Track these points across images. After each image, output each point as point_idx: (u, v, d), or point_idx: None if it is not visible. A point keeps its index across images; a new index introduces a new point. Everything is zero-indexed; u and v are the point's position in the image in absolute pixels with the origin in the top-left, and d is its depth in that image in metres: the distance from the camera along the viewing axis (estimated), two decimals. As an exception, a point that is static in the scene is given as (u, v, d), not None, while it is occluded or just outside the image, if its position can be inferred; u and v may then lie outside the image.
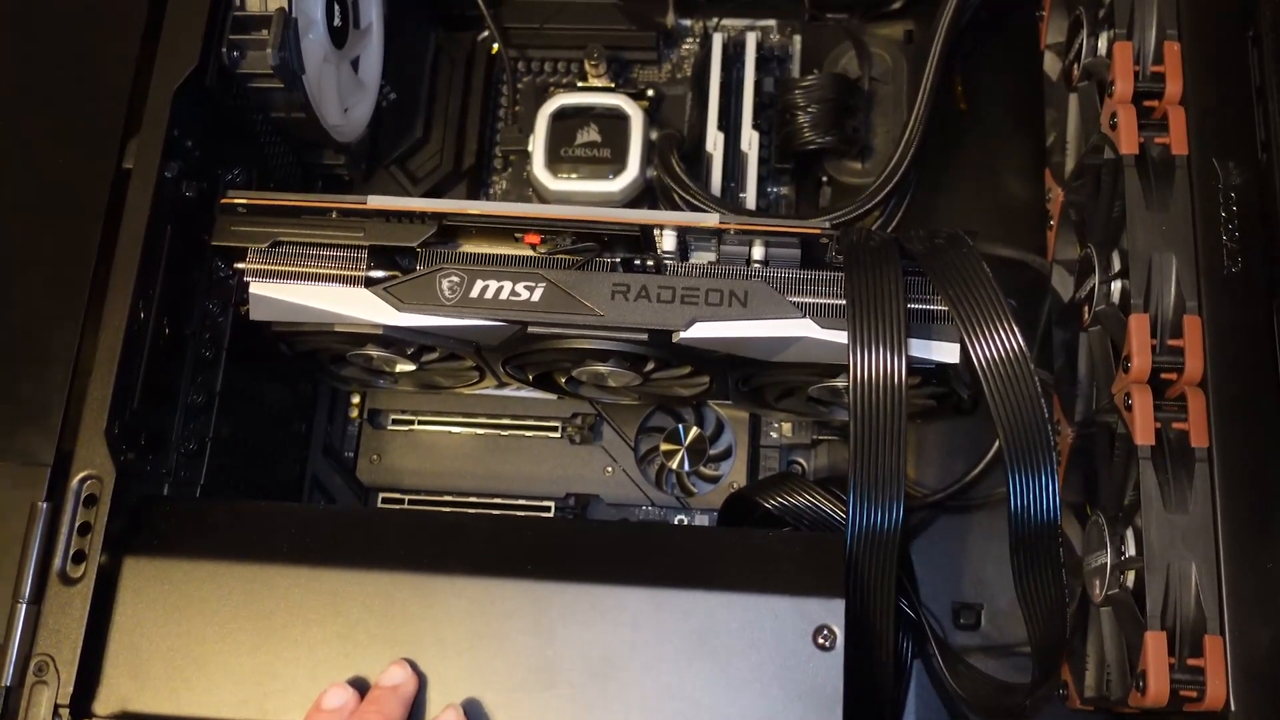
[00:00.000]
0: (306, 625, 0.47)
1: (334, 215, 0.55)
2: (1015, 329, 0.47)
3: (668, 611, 0.46)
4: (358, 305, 0.54)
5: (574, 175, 0.67)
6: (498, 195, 0.71)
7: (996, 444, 0.58)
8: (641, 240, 0.54)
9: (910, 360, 0.49)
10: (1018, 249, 0.66)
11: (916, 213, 0.68)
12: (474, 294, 0.53)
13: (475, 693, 0.45)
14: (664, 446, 0.65)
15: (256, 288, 0.54)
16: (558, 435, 0.66)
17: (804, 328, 0.52)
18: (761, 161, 0.69)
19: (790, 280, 0.53)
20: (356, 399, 0.68)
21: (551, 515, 0.65)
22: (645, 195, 0.67)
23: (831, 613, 0.45)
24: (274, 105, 0.59)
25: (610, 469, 0.65)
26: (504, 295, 0.53)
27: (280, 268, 0.55)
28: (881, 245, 0.50)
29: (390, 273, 0.55)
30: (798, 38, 0.73)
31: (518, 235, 0.55)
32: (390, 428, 0.67)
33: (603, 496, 0.65)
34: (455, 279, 0.54)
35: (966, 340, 0.47)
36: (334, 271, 0.54)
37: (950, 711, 0.58)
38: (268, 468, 0.64)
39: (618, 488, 0.65)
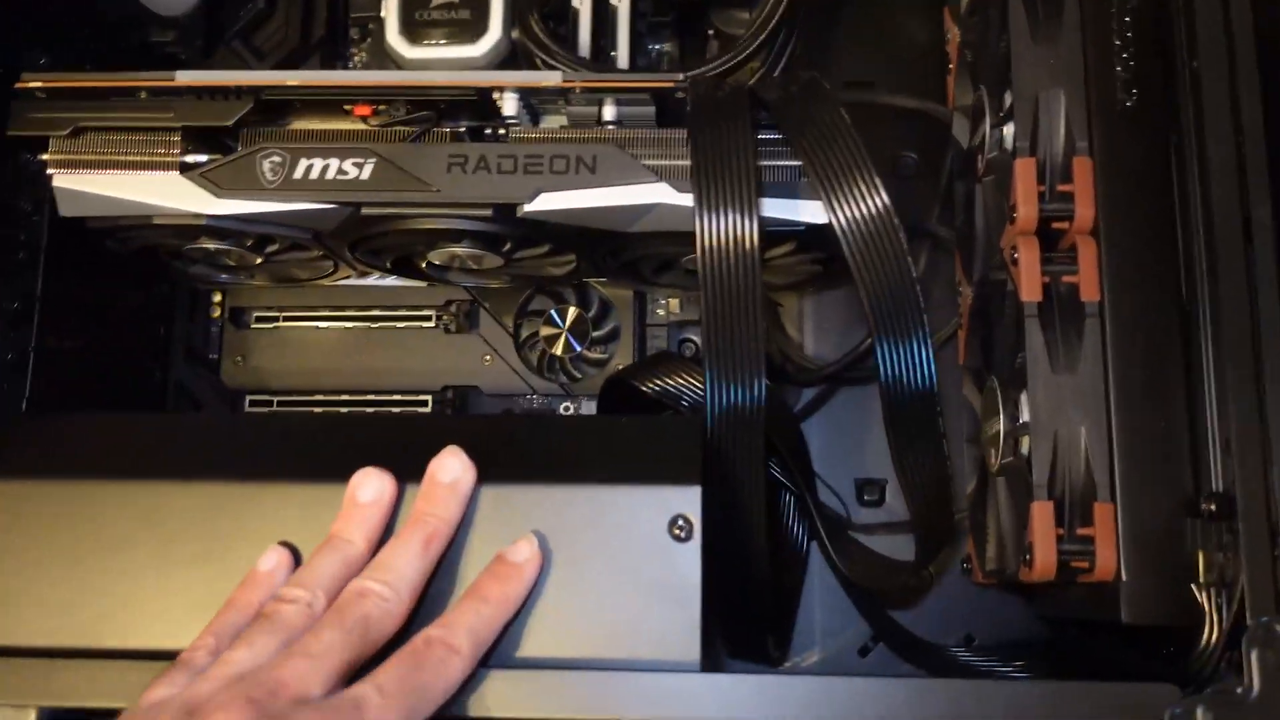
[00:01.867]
0: (131, 543, 0.43)
1: (142, 95, 0.50)
2: (877, 183, 0.43)
3: (524, 508, 0.42)
4: (173, 194, 0.49)
5: (433, 41, 0.61)
6: (358, 67, 0.65)
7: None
8: (482, 106, 0.49)
9: (772, 222, 0.45)
10: (917, 98, 0.61)
11: (807, 64, 0.62)
12: (298, 175, 0.48)
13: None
14: (544, 331, 0.61)
15: (60, 180, 0.49)
16: (432, 325, 0.62)
17: (659, 193, 0.47)
18: (640, 15, 0.63)
19: (646, 141, 0.48)
20: (218, 297, 0.63)
21: (428, 410, 0.61)
22: (513, 61, 0.61)
23: (687, 501, 0.42)
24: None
25: (489, 358, 0.61)
26: (331, 174, 0.48)
27: (87, 156, 0.49)
28: (731, 95, 0.45)
29: (210, 157, 0.49)
30: (675, -124, 0.66)
31: (347, 108, 0.50)
32: (254, 326, 0.63)
33: (482, 388, 0.61)
34: (277, 159, 0.49)
35: (823, 197, 0.43)
36: (145, 158, 0.49)
37: (848, 594, 0.55)
38: (121, 378, 0.59)
39: (498, 377, 0.61)
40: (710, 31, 0.64)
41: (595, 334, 0.61)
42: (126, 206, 0.49)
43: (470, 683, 0.39)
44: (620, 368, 0.59)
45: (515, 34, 0.60)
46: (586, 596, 0.41)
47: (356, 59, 0.65)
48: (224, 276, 0.58)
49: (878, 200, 0.43)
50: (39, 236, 0.53)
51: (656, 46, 0.64)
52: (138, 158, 0.49)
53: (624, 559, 0.42)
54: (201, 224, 0.50)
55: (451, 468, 0.41)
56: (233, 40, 0.63)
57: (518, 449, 0.44)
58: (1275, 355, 0.41)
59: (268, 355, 0.62)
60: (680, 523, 0.42)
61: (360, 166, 0.48)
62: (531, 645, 0.41)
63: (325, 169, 0.48)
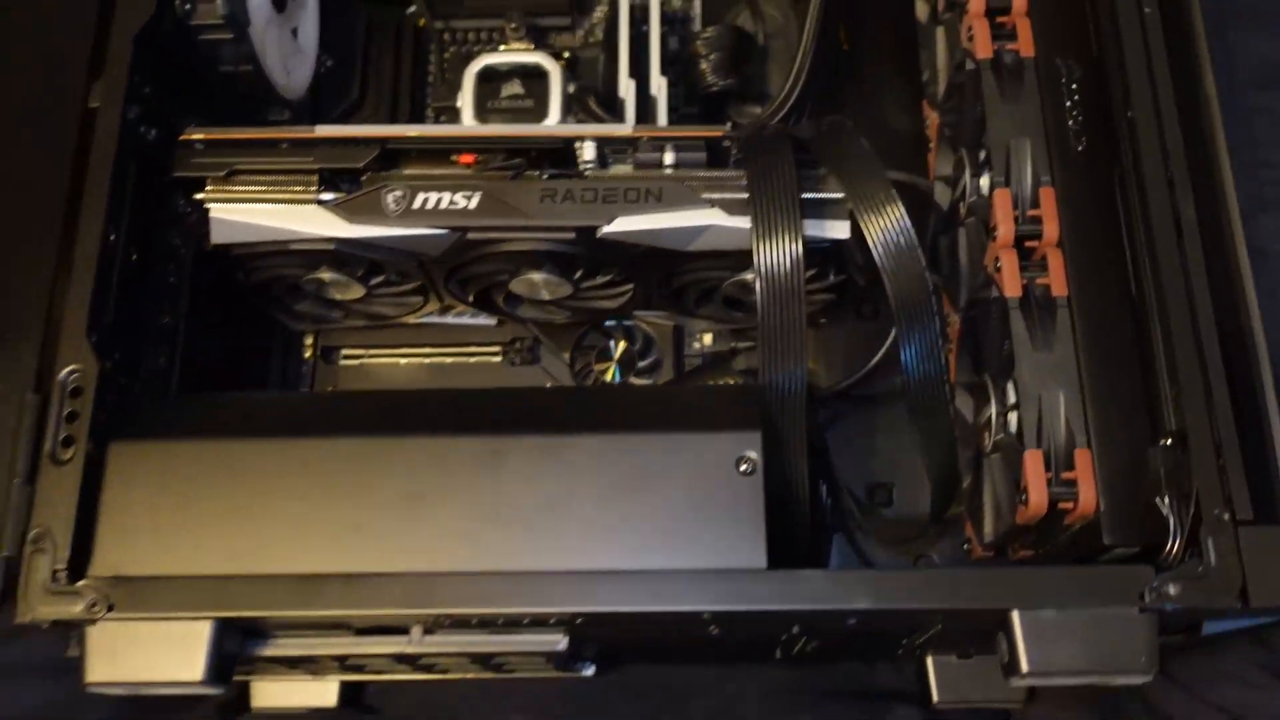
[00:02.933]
0: (279, 491, 0.52)
1: (284, 146, 0.61)
2: (894, 194, 0.54)
3: (603, 455, 0.51)
4: (310, 222, 0.59)
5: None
6: (432, 151, 0.77)
7: (891, 337, 0.66)
8: (563, 154, 0.61)
9: (806, 238, 0.57)
10: (904, 172, 0.73)
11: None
12: (416, 205, 0.59)
13: (436, 536, 0.51)
14: (596, 365, 0.72)
15: (217, 210, 0.60)
16: (499, 359, 0.72)
17: (711, 216, 0.58)
18: (671, 109, 0.75)
19: (700, 179, 0.59)
20: (310, 340, 0.73)
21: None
22: (567, 141, 0.73)
23: (750, 443, 0.51)
24: (223, 58, 0.64)
25: (549, 385, 0.71)
26: (444, 205, 0.59)
27: (238, 194, 0.60)
28: (775, 135, 0.57)
29: (339, 195, 0.60)
30: (696, 1, 0.80)
31: (453, 158, 0.61)
32: (343, 363, 0.73)
33: (543, 410, 0.71)
34: (399, 193, 0.60)
35: (855, 207, 0.54)
36: (287, 195, 0.60)
37: (859, 557, 0.65)
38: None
39: (557, 402, 0.70)
40: (729, 124, 0.77)
41: (640, 364, 0.71)
42: (270, 233, 0.60)
43: (579, 586, 0.48)
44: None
45: (572, 120, 0.73)
46: (668, 526, 0.51)
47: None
48: (316, 313, 0.68)
49: (899, 213, 0.54)
50: (185, 267, 0.63)
51: (685, 135, 0.77)
52: (281, 195, 0.60)
53: (700, 492, 0.51)
54: (330, 249, 0.60)
55: None
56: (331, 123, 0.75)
57: (608, 409, 0.54)
58: (1208, 323, 0.52)
59: (354, 385, 0.72)
60: (745, 461, 0.51)
61: (469, 199, 0.59)
62: (631, 559, 0.50)
63: (439, 201, 0.59)
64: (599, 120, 0.69)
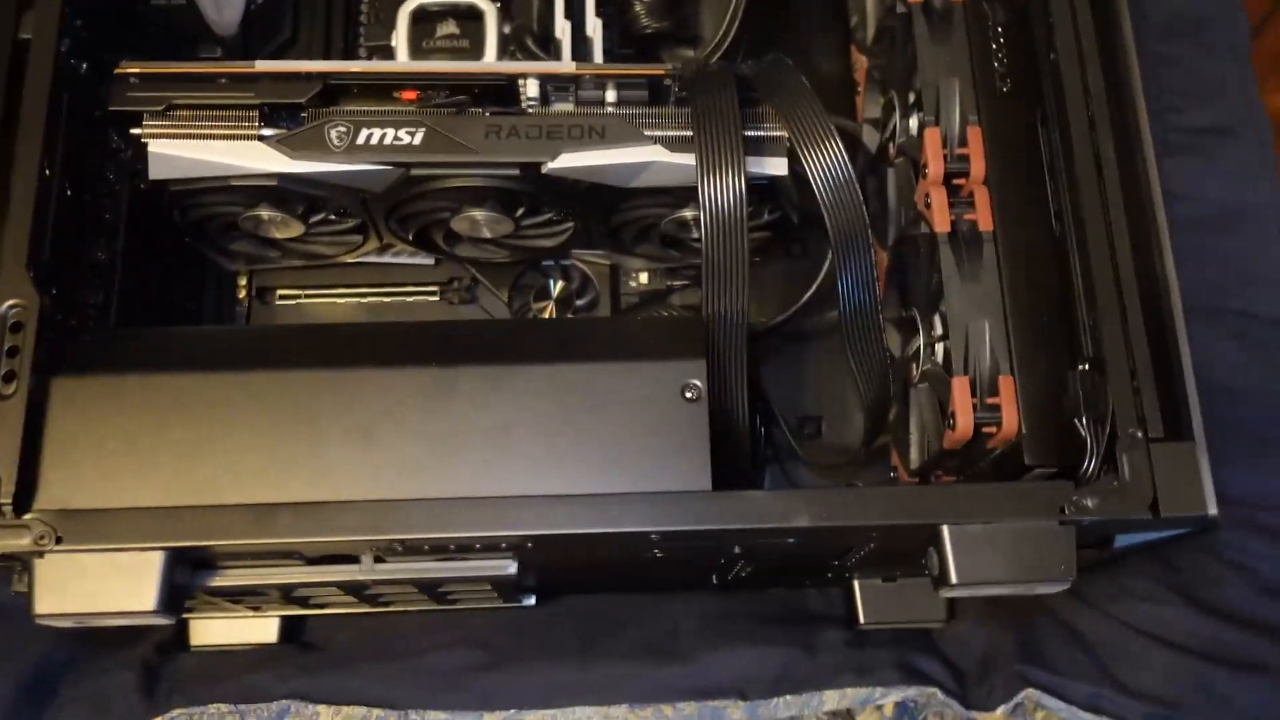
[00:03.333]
0: (226, 423, 0.52)
1: (223, 80, 0.61)
2: (833, 130, 0.56)
3: (553, 383, 0.53)
4: (252, 157, 0.59)
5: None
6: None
7: (822, 273, 0.68)
8: (507, 91, 0.61)
9: (747, 175, 0.58)
10: (833, 115, 0.75)
11: (744, 89, 0.77)
12: (360, 140, 0.60)
13: (387, 465, 0.52)
14: (534, 304, 0.73)
15: (155, 145, 0.59)
16: (436, 299, 0.72)
17: (655, 153, 0.60)
18: (606, 52, 0.76)
19: (641, 117, 0.61)
20: (244, 280, 0.73)
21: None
22: (503, 82, 0.74)
23: (695, 371, 0.53)
24: (156, -9, 0.64)
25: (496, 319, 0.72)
26: (388, 140, 0.60)
27: (176, 129, 0.60)
28: (719, 72, 0.59)
29: (280, 130, 0.60)
30: (633, -58, 0.81)
31: (395, 94, 0.61)
32: (278, 303, 0.72)
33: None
34: (343, 128, 0.60)
35: (795, 142, 0.56)
36: (229, 130, 0.60)
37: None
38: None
39: (495, 341, 0.71)
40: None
41: (578, 303, 0.72)
42: (211, 168, 0.59)
43: (532, 509, 0.50)
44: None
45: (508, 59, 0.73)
46: (618, 450, 0.52)
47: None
48: (264, 250, 0.68)
49: (837, 147, 0.56)
50: (120, 204, 0.62)
51: (620, 77, 0.78)
52: (222, 130, 0.60)
53: (648, 418, 0.53)
54: (271, 185, 0.60)
55: None
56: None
57: (557, 339, 0.55)
58: (1124, 256, 0.56)
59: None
60: (691, 388, 0.53)
61: (413, 134, 0.60)
62: (582, 484, 0.51)
63: (383, 136, 0.60)
64: (536, 55, 0.70)
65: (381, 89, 0.61)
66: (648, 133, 0.60)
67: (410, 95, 0.61)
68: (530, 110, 0.61)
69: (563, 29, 0.73)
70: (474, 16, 0.74)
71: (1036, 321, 0.57)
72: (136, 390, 0.53)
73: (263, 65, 0.61)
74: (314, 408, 0.52)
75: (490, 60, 0.72)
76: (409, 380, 0.53)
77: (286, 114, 0.61)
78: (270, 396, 0.52)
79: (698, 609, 0.68)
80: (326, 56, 0.75)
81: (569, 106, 0.62)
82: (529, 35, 0.73)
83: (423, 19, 0.74)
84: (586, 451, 0.52)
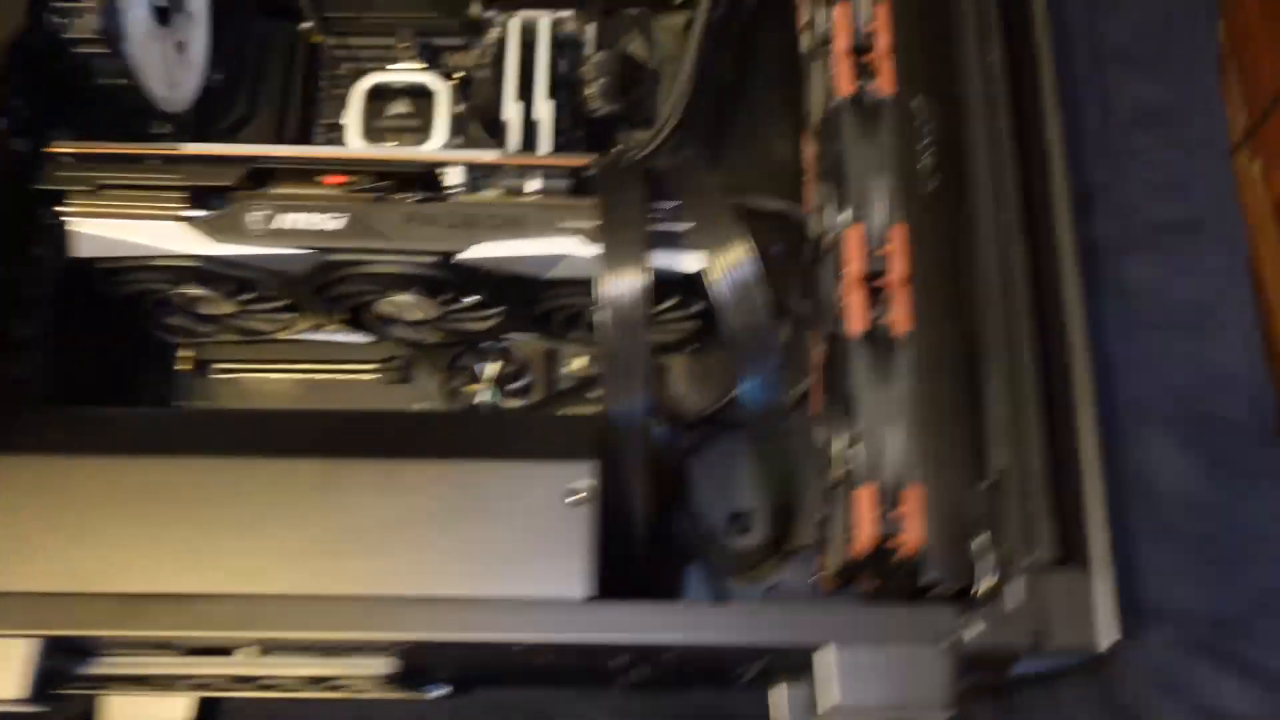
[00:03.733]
0: (111, 508, 0.52)
1: (153, 161, 0.61)
2: (739, 230, 0.56)
3: (439, 481, 0.52)
4: (173, 239, 0.60)
5: (386, 144, 0.74)
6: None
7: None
8: (431, 179, 0.62)
9: (659, 271, 0.58)
10: (780, 200, 0.75)
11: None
12: (279, 225, 0.60)
13: (266, 558, 0.51)
14: (469, 387, 0.72)
15: (77, 225, 0.60)
16: (372, 377, 0.72)
17: (569, 245, 0.59)
18: (560, 133, 0.76)
19: (559, 208, 0.60)
20: (185, 353, 0.73)
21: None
22: (453, 162, 0.74)
23: (582, 473, 0.52)
24: (98, 71, 0.65)
25: (419, 406, 0.72)
26: (306, 225, 0.60)
27: (103, 208, 0.61)
28: (629, 167, 0.59)
29: (207, 212, 0.61)
30: (591, 25, 0.81)
31: (319, 179, 0.62)
32: (216, 376, 0.73)
33: (415, 429, 0.71)
34: (263, 212, 0.60)
35: (697, 241, 0.56)
36: (153, 210, 0.61)
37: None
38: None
39: (426, 423, 0.71)
40: (618, 148, 0.78)
41: (512, 386, 0.72)
42: (132, 248, 0.60)
43: (387, 612, 0.49)
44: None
45: (458, 140, 0.74)
46: (498, 554, 0.52)
47: (322, 159, 0.78)
48: (188, 327, 0.68)
49: (742, 249, 0.56)
50: (50, 280, 0.63)
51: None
52: (147, 210, 0.60)
53: (533, 522, 0.52)
54: (195, 265, 0.61)
55: None
56: (216, 138, 0.75)
57: (448, 435, 0.55)
58: (1031, 369, 0.54)
59: (226, 401, 0.72)
60: (577, 492, 0.52)
61: (332, 220, 0.60)
62: (455, 586, 0.51)
63: (302, 221, 0.60)
64: (483, 142, 0.70)
65: (309, 173, 0.62)
66: (567, 224, 0.60)
67: (336, 180, 0.62)
68: (452, 198, 0.61)
69: (513, 110, 0.74)
70: (427, 95, 0.75)
71: (948, 431, 0.56)
72: (22, 471, 0.53)
73: (191, 148, 0.61)
74: (199, 495, 0.52)
75: (438, 141, 0.73)
76: (297, 471, 0.53)
77: (215, 196, 0.61)
78: (156, 482, 0.52)
79: (617, 707, 0.67)
80: (280, 134, 0.76)
81: (496, 193, 0.62)
82: (480, 117, 0.73)
83: (378, 97, 0.75)
84: (466, 553, 0.51)
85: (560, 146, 0.76)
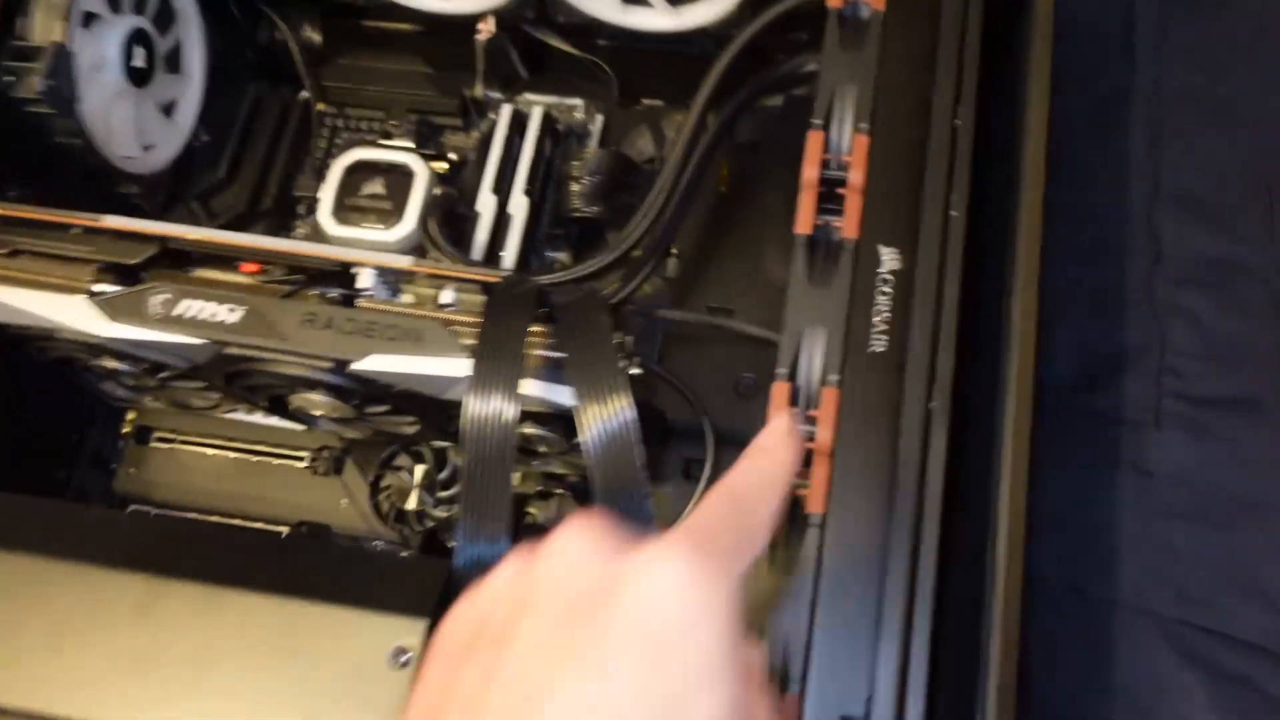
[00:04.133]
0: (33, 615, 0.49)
1: (76, 230, 0.60)
2: (621, 384, 0.50)
3: (260, 617, 0.48)
4: (71, 314, 0.58)
5: (356, 224, 0.71)
6: (299, 238, 0.75)
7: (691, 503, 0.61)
8: (346, 278, 0.58)
9: (533, 400, 0.52)
10: (763, 327, 0.68)
11: (677, 285, 0.71)
12: (178, 312, 0.57)
13: (73, 677, 0.48)
14: (397, 484, 0.68)
15: (-11, 289, 0.59)
16: (302, 465, 0.69)
17: (466, 367, 0.54)
18: (540, 226, 0.72)
19: (464, 326, 0.56)
20: (132, 415, 0.72)
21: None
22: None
23: (413, 632, 0.47)
24: (50, 130, 0.64)
25: (345, 501, 0.68)
26: (206, 315, 0.57)
27: (14, 274, 0.59)
28: (524, 293, 0.53)
29: (117, 289, 0.59)
30: (600, 117, 0.77)
31: (237, 264, 0.59)
32: (154, 444, 0.71)
33: (334, 527, 0.68)
34: (166, 296, 0.57)
35: (574, 387, 0.50)
36: (63, 281, 0.59)
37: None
38: (32, 472, 0.67)
39: (349, 520, 0.68)
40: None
41: (442, 494, 0.68)
42: (30, 318, 0.58)
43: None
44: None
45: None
46: (308, 706, 0.47)
47: (299, 230, 0.76)
48: (124, 394, 0.66)
49: (621, 402, 0.50)
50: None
51: (553, 255, 0.73)
52: (57, 280, 0.58)
53: (346, 678, 0.47)
54: (94, 343, 0.58)
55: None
56: (191, 201, 0.74)
57: (286, 566, 0.51)
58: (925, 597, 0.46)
59: (159, 471, 0.70)
60: (403, 652, 0.47)
61: (232, 312, 0.57)
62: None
63: (202, 310, 0.57)
64: (430, 233, 0.66)
65: (224, 259, 0.59)
66: (467, 343, 0.55)
67: (253, 268, 0.59)
68: (359, 302, 0.57)
69: (485, 203, 0.70)
70: (405, 173, 0.72)
71: (842, 632, 0.48)
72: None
73: (110, 221, 0.59)
74: (10, 599, 0.49)
75: (408, 226, 0.69)
76: (117, 585, 0.49)
77: (129, 274, 0.59)
78: (70, 593, 0.49)
79: None
80: (256, 201, 0.74)
81: (410, 299, 0.58)
82: (451, 205, 0.70)
83: (358, 171, 0.72)
84: (271, 701, 0.47)
85: (539, 243, 0.72)
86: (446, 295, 0.57)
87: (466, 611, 0.35)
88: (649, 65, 0.77)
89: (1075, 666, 0.62)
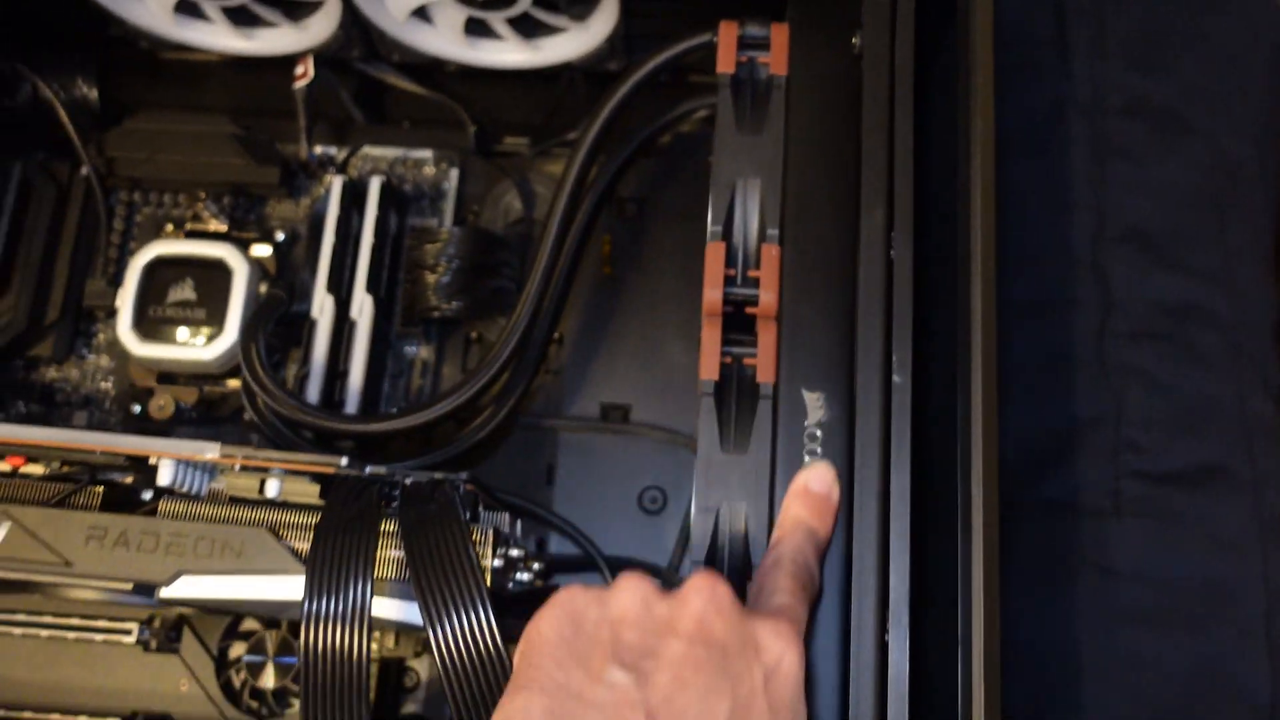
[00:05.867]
0: None
1: None
2: (476, 595, 0.40)
3: None
4: None
5: (166, 340, 0.58)
6: (99, 351, 0.62)
7: None
8: (138, 472, 0.46)
9: (385, 622, 0.42)
10: (669, 424, 0.59)
11: (565, 379, 0.60)
12: (-77, 531, 0.45)
13: None
14: (247, 658, 0.57)
15: None
16: (132, 640, 0.57)
17: (300, 587, 0.43)
18: (382, 333, 0.60)
19: (295, 531, 0.44)
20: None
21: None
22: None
23: None
24: None
25: (186, 684, 0.57)
26: (-41, 535, 0.45)
27: None
28: (366, 495, 0.43)
29: None
30: (454, 171, 0.64)
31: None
32: (-52, 626, 0.59)
33: (174, 716, 0.57)
34: (-96, 512, 0.45)
35: (429, 625, 0.40)
36: None
37: None
38: None
39: (193, 705, 0.56)
40: (473, 336, 0.62)
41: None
42: None
43: None
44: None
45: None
46: None
47: (98, 343, 0.62)
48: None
49: (486, 643, 0.40)
50: None
51: (413, 350, 0.61)
52: None
53: None
54: None
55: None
56: (-44, 315, 0.60)
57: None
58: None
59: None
60: None
61: (-9, 529, 0.45)
62: None
63: (-46, 528, 0.45)
64: (256, 371, 0.54)
65: (-18, 448, 0.46)
66: (304, 547, 0.44)
67: (17, 461, 0.46)
68: (163, 501, 0.46)
69: (321, 306, 0.58)
70: (220, 270, 0.59)
71: None
72: None
73: None
74: None
75: (228, 340, 0.57)
76: None
77: None
78: None
79: None
80: (38, 313, 0.61)
81: (223, 486, 0.47)
82: (279, 310, 0.58)
83: (161, 269, 0.59)
84: None
85: (398, 340, 0.61)
86: (271, 487, 0.46)
87: (581, 614, 0.37)
88: (509, 98, 0.65)
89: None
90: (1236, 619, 0.58)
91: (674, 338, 0.61)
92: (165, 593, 0.44)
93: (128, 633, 0.58)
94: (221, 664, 0.57)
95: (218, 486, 0.46)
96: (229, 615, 0.47)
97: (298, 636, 0.41)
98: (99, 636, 0.58)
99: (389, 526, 0.43)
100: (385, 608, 0.43)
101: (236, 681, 0.57)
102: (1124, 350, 0.61)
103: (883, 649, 0.40)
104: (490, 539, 0.44)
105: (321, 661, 0.41)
